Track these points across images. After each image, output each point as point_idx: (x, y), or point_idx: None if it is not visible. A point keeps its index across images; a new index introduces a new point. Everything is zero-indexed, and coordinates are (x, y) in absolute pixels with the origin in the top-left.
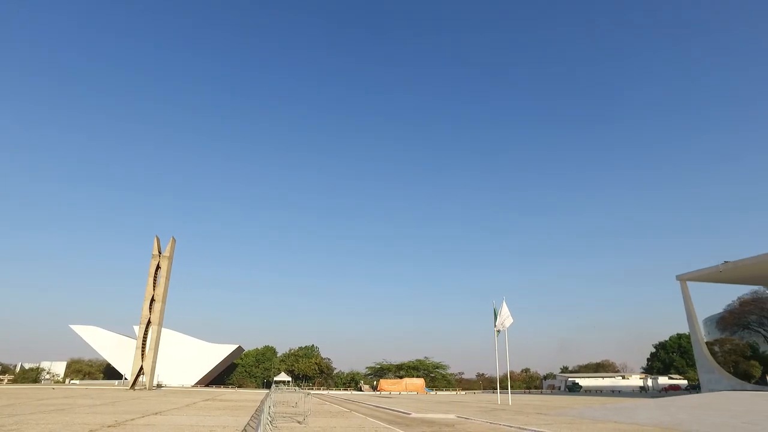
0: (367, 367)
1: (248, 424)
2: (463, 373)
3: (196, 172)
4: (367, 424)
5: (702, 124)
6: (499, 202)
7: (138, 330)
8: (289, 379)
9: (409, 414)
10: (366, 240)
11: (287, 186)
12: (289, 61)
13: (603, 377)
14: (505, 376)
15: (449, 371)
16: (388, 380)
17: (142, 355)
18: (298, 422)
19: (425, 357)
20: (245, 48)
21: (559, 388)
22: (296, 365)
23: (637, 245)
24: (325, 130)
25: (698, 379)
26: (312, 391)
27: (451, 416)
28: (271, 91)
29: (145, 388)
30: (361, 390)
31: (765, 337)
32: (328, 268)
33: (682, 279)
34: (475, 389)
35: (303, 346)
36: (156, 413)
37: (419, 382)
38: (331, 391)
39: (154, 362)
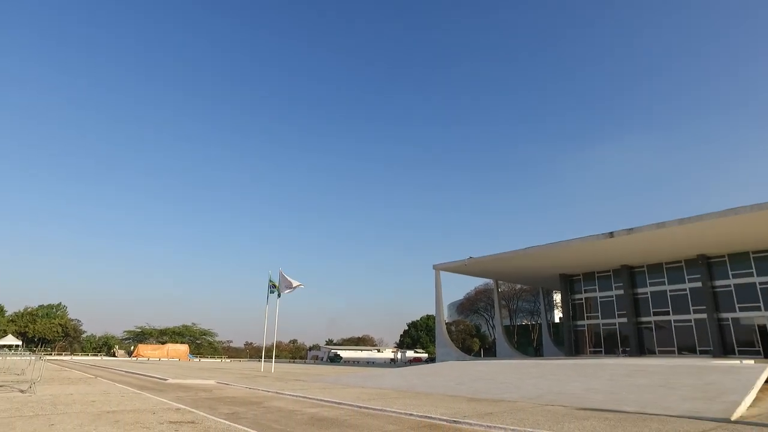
0: (125, 331)
1: None
2: (231, 342)
3: None
4: (114, 390)
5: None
6: (290, 181)
7: None
8: (19, 342)
9: (166, 380)
10: (141, 198)
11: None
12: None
13: (362, 350)
14: (272, 345)
15: (217, 339)
16: (148, 345)
17: None
18: (21, 391)
19: (193, 323)
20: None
21: (322, 359)
22: (32, 326)
23: (404, 237)
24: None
25: (435, 353)
26: (51, 357)
27: (211, 382)
28: None
29: None
30: (114, 356)
31: (487, 320)
32: (92, 222)
33: (437, 268)
34: (242, 357)
35: (44, 304)
36: None
37: (183, 348)
38: (76, 357)
39: None
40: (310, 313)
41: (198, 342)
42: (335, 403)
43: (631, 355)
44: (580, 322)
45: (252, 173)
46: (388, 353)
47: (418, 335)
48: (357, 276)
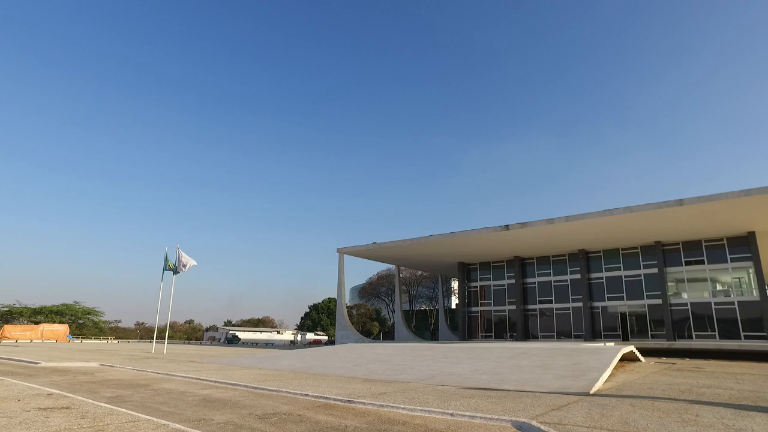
0: None
1: None
2: (120, 322)
3: None
4: None
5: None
6: (187, 155)
7: None
8: None
9: (38, 363)
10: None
11: None
12: None
13: (261, 331)
14: (166, 325)
15: (103, 318)
16: (17, 326)
17: None
18: None
19: (75, 301)
20: None
21: (220, 340)
22: None
23: (309, 220)
24: None
25: (335, 335)
26: None
27: (93, 364)
28: None
29: None
30: None
31: (387, 304)
32: None
33: (341, 252)
34: (132, 338)
35: None
36: None
37: (61, 328)
38: None
39: None
40: (208, 292)
41: (81, 322)
42: (230, 384)
43: (517, 339)
44: (474, 308)
45: (145, 145)
46: (288, 335)
47: (319, 318)
48: (260, 257)
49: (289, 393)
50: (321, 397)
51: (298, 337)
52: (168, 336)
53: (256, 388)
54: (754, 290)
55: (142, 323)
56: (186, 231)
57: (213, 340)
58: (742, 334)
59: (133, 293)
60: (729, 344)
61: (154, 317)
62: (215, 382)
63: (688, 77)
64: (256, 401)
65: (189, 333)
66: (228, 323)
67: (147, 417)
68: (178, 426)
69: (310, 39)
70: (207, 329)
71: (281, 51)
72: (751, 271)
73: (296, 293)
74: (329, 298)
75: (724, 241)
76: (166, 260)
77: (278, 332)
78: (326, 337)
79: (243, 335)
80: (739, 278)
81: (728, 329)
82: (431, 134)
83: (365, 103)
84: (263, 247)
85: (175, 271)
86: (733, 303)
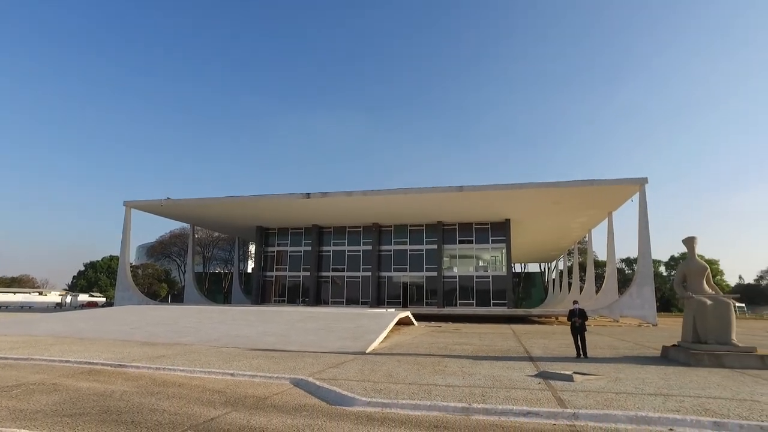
0: None
1: None
2: None
3: None
4: None
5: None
6: None
7: None
8: None
9: None
10: None
11: None
12: None
13: (15, 292)
14: None
15: None
16: None
17: None
18: None
19: None
20: None
21: None
22: None
23: (91, 172)
24: None
25: (115, 297)
26: None
27: None
28: None
29: None
30: None
31: (179, 265)
32: None
33: (128, 205)
34: None
35: None
36: None
37: None
38: None
39: None
40: None
41: None
42: None
43: (309, 304)
44: (269, 273)
45: None
46: (54, 296)
47: (97, 277)
48: (21, 204)
49: (44, 360)
50: (86, 362)
51: (68, 299)
52: None
53: None
54: (503, 267)
55: None
56: None
57: None
58: (492, 302)
59: None
60: (482, 310)
61: None
62: None
63: (476, 79)
64: None
65: None
66: None
67: None
68: None
69: None
70: None
71: None
72: (504, 251)
73: (70, 249)
74: (111, 256)
75: (489, 226)
76: None
77: (40, 293)
78: (104, 299)
79: None
80: (495, 257)
81: (483, 298)
82: (246, 92)
83: (172, 46)
84: (26, 193)
85: None
86: (488, 277)
